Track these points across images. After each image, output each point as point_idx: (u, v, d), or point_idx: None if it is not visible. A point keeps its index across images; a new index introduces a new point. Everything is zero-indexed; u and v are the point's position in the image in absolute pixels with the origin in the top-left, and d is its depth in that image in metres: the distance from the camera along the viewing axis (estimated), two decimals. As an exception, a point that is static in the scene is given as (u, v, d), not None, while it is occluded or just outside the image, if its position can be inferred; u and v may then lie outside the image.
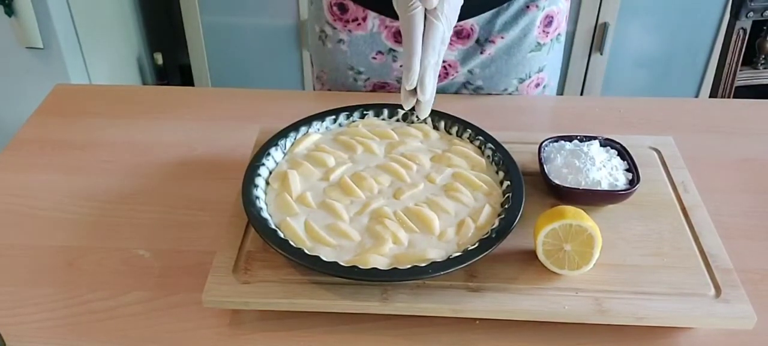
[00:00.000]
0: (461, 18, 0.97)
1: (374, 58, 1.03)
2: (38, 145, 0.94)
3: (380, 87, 1.07)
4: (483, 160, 0.80)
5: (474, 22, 0.98)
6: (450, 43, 1.00)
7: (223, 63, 2.21)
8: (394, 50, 1.02)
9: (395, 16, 0.99)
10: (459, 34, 0.99)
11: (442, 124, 0.86)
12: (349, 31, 1.02)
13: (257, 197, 0.73)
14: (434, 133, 0.85)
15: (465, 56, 1.01)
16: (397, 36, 1.00)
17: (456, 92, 1.07)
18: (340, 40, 1.03)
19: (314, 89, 1.15)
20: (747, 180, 0.88)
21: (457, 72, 1.03)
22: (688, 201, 0.78)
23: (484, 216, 0.72)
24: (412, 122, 0.87)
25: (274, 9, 2.07)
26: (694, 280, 0.68)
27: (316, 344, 0.67)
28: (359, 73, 1.06)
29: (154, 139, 0.95)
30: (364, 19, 1.00)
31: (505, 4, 0.97)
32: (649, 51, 2.17)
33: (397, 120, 0.87)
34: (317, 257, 0.66)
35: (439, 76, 1.03)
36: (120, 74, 2.20)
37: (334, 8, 1.01)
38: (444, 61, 1.02)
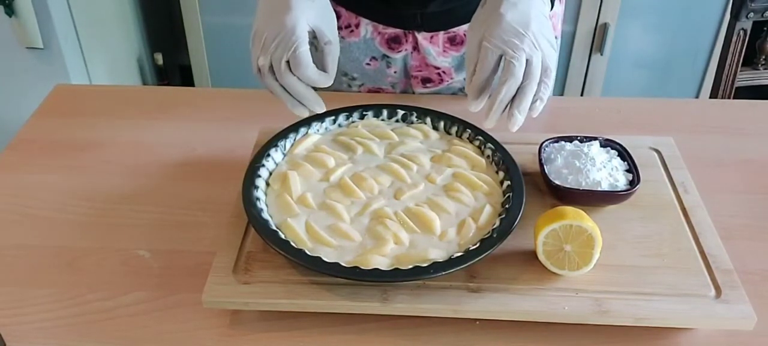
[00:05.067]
0: (454, 25, 0.97)
1: (368, 64, 1.03)
2: (38, 146, 0.94)
3: (374, 92, 1.07)
4: (483, 160, 0.80)
5: (467, 29, 0.98)
6: (443, 50, 0.99)
7: (223, 63, 2.21)
8: (387, 56, 1.02)
9: (388, 23, 0.99)
10: (452, 41, 0.99)
11: (442, 124, 0.86)
12: (343, 37, 1.01)
13: (258, 199, 0.73)
14: (434, 134, 0.85)
15: (460, 63, 1.01)
16: (391, 42, 1.00)
17: (453, 95, 1.07)
18: None
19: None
20: (747, 180, 0.88)
21: (451, 78, 1.03)
22: (688, 202, 0.78)
23: (485, 216, 0.72)
24: (412, 123, 0.87)
25: (275, 9, 2.07)
26: (694, 280, 0.68)
27: (316, 345, 0.67)
28: (353, 79, 1.05)
29: (154, 139, 0.95)
30: (357, 25, 1.00)
31: None
32: (650, 52, 2.17)
33: (397, 120, 0.87)
34: (319, 258, 0.66)
35: (434, 81, 1.03)
36: (120, 74, 2.19)
37: None
38: (438, 68, 1.01)
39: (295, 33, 0.73)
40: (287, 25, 0.73)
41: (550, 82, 0.73)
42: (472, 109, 0.74)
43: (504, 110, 0.72)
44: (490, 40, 0.71)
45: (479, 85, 0.73)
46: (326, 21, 0.78)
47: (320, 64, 0.77)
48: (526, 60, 0.71)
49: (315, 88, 0.76)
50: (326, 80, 0.76)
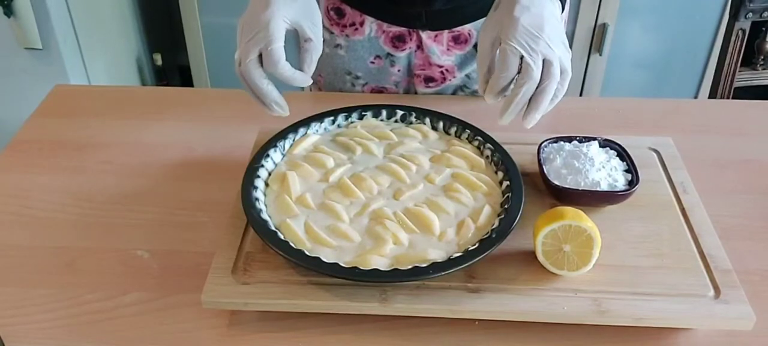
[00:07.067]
0: (459, 23, 0.97)
1: (372, 62, 1.03)
2: (38, 146, 0.94)
3: (378, 91, 1.07)
4: (482, 161, 0.80)
5: (471, 28, 0.98)
6: (447, 49, 1.00)
7: (223, 63, 2.20)
8: (391, 55, 1.02)
9: (392, 21, 0.99)
10: (457, 40, 0.99)
11: (441, 124, 0.86)
12: (347, 36, 1.01)
13: (257, 199, 0.73)
14: (433, 134, 0.85)
15: (463, 61, 1.01)
16: (395, 41, 1.00)
17: (453, 94, 1.07)
18: (338, 45, 1.03)
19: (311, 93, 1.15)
20: (746, 180, 0.88)
21: (454, 76, 1.03)
22: (687, 202, 0.78)
23: (484, 216, 0.72)
24: (411, 123, 0.87)
25: (274, 9, 2.07)
26: (693, 281, 0.68)
27: (315, 345, 0.67)
28: (357, 77, 1.05)
29: (154, 140, 0.95)
30: (362, 23, 1.00)
31: None
32: (649, 52, 2.17)
33: (396, 121, 0.87)
34: (318, 259, 0.66)
35: (436, 80, 1.03)
36: (119, 75, 2.19)
37: (332, 13, 1.01)
38: (441, 66, 1.01)
39: (268, 29, 0.72)
40: (262, 21, 0.73)
41: (566, 83, 0.73)
42: (489, 102, 0.74)
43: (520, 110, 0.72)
44: (508, 42, 0.71)
45: (501, 86, 0.72)
46: (308, 18, 0.77)
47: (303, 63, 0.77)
48: (545, 61, 0.71)
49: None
50: (302, 79, 0.76)
